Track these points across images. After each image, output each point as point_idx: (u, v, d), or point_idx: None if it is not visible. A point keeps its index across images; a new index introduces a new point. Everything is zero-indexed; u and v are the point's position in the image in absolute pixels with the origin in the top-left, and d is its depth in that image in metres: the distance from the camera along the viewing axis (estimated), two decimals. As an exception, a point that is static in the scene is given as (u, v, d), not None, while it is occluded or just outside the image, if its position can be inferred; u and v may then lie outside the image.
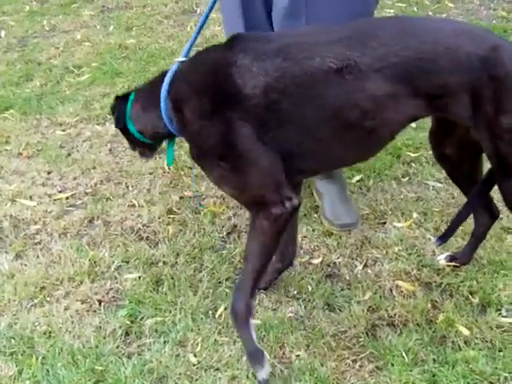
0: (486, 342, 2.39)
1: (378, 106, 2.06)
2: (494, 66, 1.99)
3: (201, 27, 2.44)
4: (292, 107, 2.09)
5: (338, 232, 2.95)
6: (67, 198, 3.24)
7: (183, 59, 2.33)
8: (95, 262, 2.80)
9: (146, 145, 2.48)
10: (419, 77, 2.03)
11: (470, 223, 2.76)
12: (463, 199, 3.07)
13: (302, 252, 2.85)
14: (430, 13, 5.73)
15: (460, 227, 2.86)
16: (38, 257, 2.85)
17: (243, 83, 2.08)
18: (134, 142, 2.49)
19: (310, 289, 2.65)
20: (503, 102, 2.02)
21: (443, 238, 2.60)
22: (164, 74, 2.31)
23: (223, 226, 3.00)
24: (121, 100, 2.43)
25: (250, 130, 2.09)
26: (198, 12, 5.78)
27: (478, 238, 2.70)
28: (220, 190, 2.46)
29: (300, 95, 2.08)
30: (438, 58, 2.01)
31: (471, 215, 2.66)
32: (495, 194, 2.55)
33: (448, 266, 2.74)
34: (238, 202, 2.44)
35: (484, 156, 2.33)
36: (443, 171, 3.33)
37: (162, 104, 2.26)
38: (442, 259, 2.77)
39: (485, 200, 2.58)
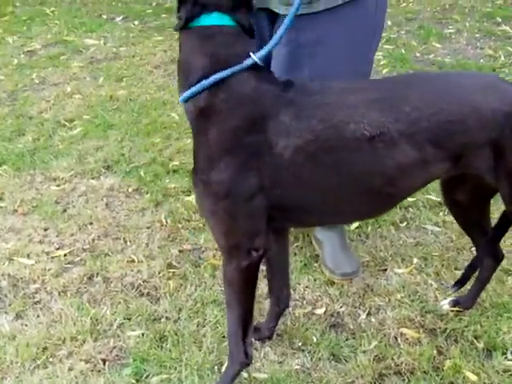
0: (494, 387, 2.39)
1: (403, 175, 2.07)
2: None
3: (285, 30, 2.15)
4: (314, 170, 2.06)
5: (340, 281, 2.95)
6: (65, 255, 3.21)
7: (256, 61, 2.08)
8: (97, 320, 2.77)
9: None
10: (447, 139, 2.04)
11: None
12: (462, 242, 3.13)
13: (304, 302, 2.85)
14: (418, 54, 5.81)
15: (460, 271, 2.90)
16: (38, 316, 2.81)
17: (276, 141, 2.02)
18: None
19: (314, 340, 2.63)
20: None
21: (458, 286, 2.67)
22: (238, 54, 2.07)
23: (224, 279, 2.99)
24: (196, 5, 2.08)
25: (259, 182, 2.05)
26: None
27: (482, 281, 2.72)
28: (203, 218, 2.34)
29: (326, 160, 2.05)
30: (466, 118, 2.03)
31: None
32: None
33: (451, 311, 2.74)
34: (213, 238, 2.35)
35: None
36: (440, 214, 3.38)
37: (205, 82, 2.04)
38: (445, 304, 2.77)
39: (491, 244, 2.60)
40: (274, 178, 2.06)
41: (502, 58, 5.74)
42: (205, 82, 2.04)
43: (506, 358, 2.51)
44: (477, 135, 2.05)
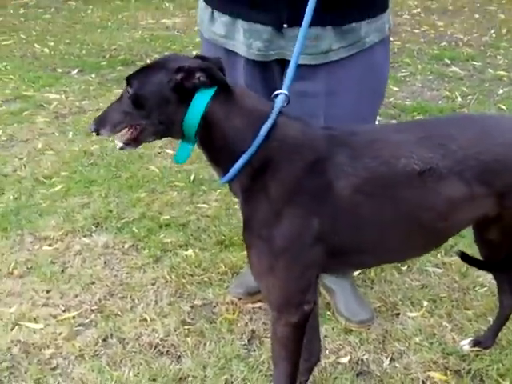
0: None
1: (453, 209, 2.12)
2: None
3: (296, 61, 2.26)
4: (370, 208, 2.09)
5: (358, 328, 2.98)
6: (74, 317, 3.16)
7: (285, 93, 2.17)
8: (121, 383, 2.73)
9: (172, 131, 2.12)
10: (493, 178, 2.10)
11: (477, 306, 2.99)
12: (466, 283, 3.23)
13: (327, 352, 2.86)
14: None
15: (470, 311, 2.98)
16: (59, 383, 2.76)
17: (336, 183, 2.04)
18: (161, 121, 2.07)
19: (347, 389, 2.66)
20: None
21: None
22: (258, 108, 2.10)
23: (242, 334, 2.99)
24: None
25: (320, 229, 2.06)
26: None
27: (502, 320, 2.79)
28: (253, 275, 2.25)
29: (381, 196, 2.08)
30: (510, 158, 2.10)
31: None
32: None
33: (472, 351, 2.80)
34: (263, 293, 2.35)
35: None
36: (438, 256, 3.46)
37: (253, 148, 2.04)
38: (465, 345, 2.84)
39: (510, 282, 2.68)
40: (334, 221, 2.07)
41: (460, 99, 5.94)
42: (257, 140, 2.04)
43: (533, 395, 2.59)
44: None
